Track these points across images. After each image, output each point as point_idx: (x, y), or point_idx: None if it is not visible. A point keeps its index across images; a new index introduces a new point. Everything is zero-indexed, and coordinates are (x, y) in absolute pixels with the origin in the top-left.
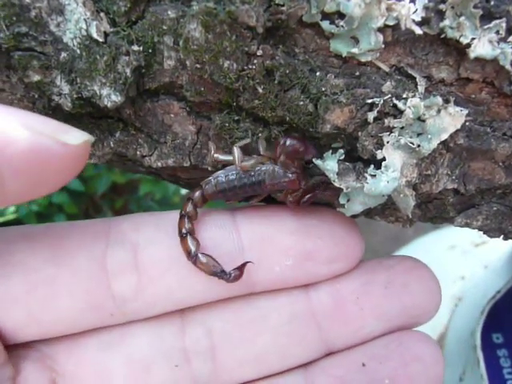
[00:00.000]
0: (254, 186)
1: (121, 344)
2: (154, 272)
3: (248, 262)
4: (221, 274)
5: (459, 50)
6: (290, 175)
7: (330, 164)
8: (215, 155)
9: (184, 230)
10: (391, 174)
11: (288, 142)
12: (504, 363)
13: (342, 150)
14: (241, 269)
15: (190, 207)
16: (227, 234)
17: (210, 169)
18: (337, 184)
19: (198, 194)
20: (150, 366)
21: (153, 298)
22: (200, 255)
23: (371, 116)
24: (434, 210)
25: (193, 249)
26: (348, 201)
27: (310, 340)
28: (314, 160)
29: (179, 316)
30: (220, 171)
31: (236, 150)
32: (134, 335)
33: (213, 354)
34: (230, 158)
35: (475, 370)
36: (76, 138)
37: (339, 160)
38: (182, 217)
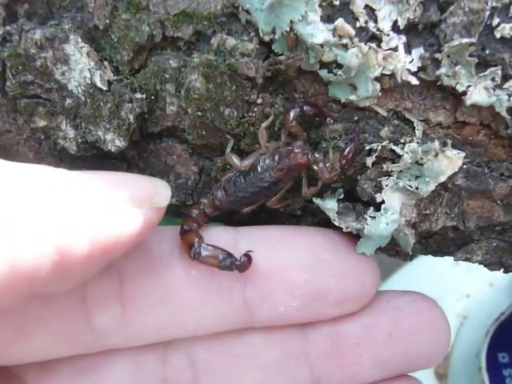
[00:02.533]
0: (263, 180)
1: (96, 373)
2: (140, 305)
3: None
4: (229, 262)
5: (456, 96)
6: (296, 149)
7: (329, 203)
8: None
9: (186, 227)
10: (390, 217)
11: (305, 107)
12: (510, 383)
13: (341, 190)
14: (247, 256)
15: (195, 213)
16: None
17: None
18: (336, 223)
19: (206, 199)
20: None
21: (138, 332)
22: (203, 245)
23: (370, 161)
24: (435, 245)
25: (196, 239)
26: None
27: (302, 381)
28: (314, 199)
29: (162, 343)
30: (223, 179)
31: (231, 156)
32: (111, 363)
33: None
34: (236, 161)
35: None
36: (164, 196)
37: (339, 199)
38: (187, 216)
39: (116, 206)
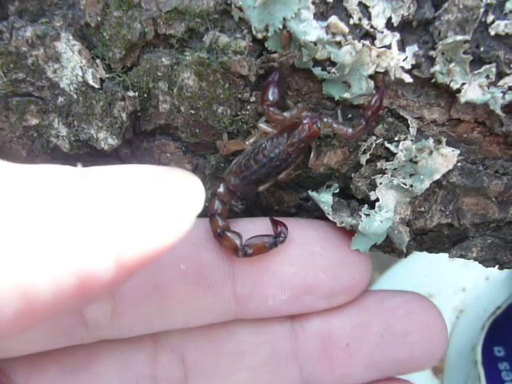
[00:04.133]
0: (274, 159)
1: (85, 370)
2: (131, 299)
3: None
4: (273, 242)
5: (450, 93)
6: (304, 121)
7: (324, 197)
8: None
9: (219, 230)
10: (385, 214)
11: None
12: (506, 377)
13: (336, 185)
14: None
15: (217, 204)
16: (216, 257)
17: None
18: (331, 218)
19: (221, 188)
20: None
21: (128, 325)
22: (245, 243)
23: (364, 159)
24: (430, 242)
25: (237, 241)
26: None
27: (290, 381)
28: (309, 192)
29: (151, 339)
30: (234, 160)
31: (233, 141)
32: (100, 361)
33: None
34: (239, 145)
35: None
36: (199, 200)
37: (334, 194)
38: (211, 217)
39: (147, 218)
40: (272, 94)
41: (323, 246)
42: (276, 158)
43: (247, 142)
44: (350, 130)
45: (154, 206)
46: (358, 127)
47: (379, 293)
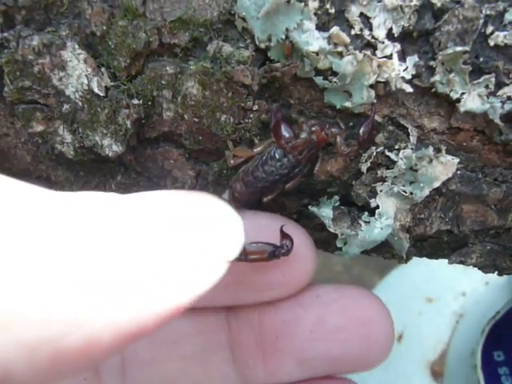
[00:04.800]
0: (283, 167)
1: None
2: None
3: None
4: (276, 253)
5: (450, 102)
6: (313, 128)
7: (325, 211)
8: (233, 159)
9: None
10: (385, 222)
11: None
12: (505, 381)
13: (336, 197)
14: (290, 240)
15: None
16: None
17: None
18: (332, 230)
19: (226, 195)
20: None
21: None
22: (246, 246)
23: (364, 167)
24: (429, 248)
25: None
26: (345, 244)
27: (226, 374)
28: (309, 207)
29: None
30: (240, 171)
31: (240, 148)
32: None
33: (123, 371)
34: (246, 153)
35: None
36: (236, 245)
37: (334, 207)
38: None
39: (177, 269)
40: (285, 131)
41: (253, 238)
42: (285, 166)
43: (255, 150)
44: (346, 150)
45: (183, 257)
46: (353, 148)
47: (317, 287)
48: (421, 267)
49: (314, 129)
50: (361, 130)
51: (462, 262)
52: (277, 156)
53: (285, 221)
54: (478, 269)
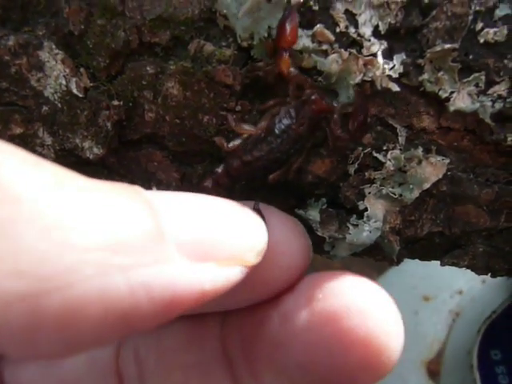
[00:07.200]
0: (283, 142)
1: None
2: None
3: None
4: None
5: (439, 101)
6: (312, 96)
7: (312, 214)
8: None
9: None
10: (373, 224)
11: None
12: (502, 380)
13: (324, 200)
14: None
15: (209, 183)
16: None
17: None
18: (319, 233)
19: (220, 168)
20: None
21: None
22: None
23: (352, 169)
24: (421, 250)
25: None
26: (333, 247)
27: (221, 379)
28: (296, 210)
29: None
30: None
31: (241, 125)
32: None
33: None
34: (249, 128)
35: None
36: (260, 249)
37: (321, 209)
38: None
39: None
40: (290, 32)
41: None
42: (286, 141)
43: (259, 125)
44: (340, 132)
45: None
46: (345, 135)
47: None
48: (417, 266)
49: (313, 97)
50: (350, 121)
51: (454, 264)
52: (276, 132)
53: (278, 212)
54: (471, 270)
